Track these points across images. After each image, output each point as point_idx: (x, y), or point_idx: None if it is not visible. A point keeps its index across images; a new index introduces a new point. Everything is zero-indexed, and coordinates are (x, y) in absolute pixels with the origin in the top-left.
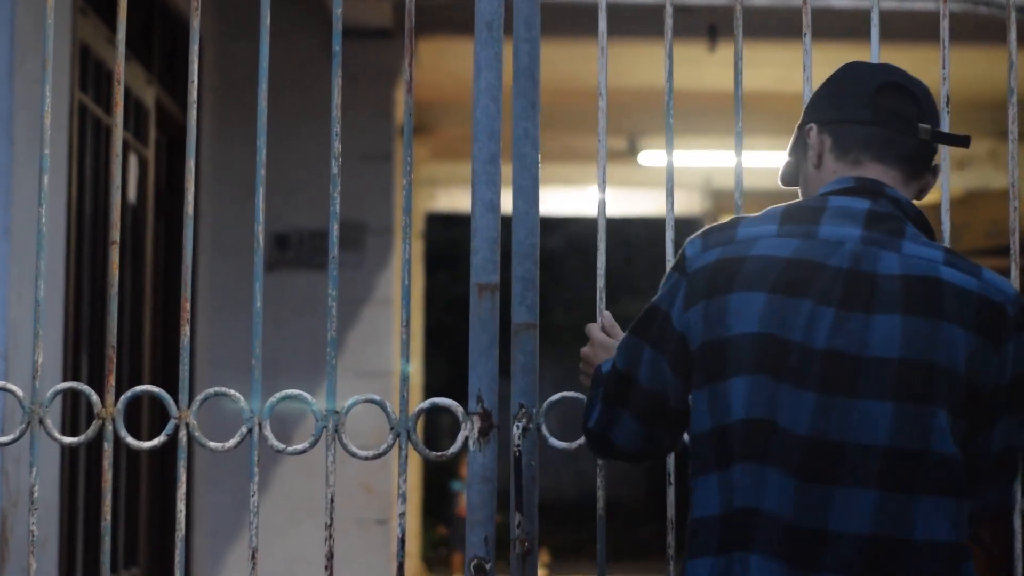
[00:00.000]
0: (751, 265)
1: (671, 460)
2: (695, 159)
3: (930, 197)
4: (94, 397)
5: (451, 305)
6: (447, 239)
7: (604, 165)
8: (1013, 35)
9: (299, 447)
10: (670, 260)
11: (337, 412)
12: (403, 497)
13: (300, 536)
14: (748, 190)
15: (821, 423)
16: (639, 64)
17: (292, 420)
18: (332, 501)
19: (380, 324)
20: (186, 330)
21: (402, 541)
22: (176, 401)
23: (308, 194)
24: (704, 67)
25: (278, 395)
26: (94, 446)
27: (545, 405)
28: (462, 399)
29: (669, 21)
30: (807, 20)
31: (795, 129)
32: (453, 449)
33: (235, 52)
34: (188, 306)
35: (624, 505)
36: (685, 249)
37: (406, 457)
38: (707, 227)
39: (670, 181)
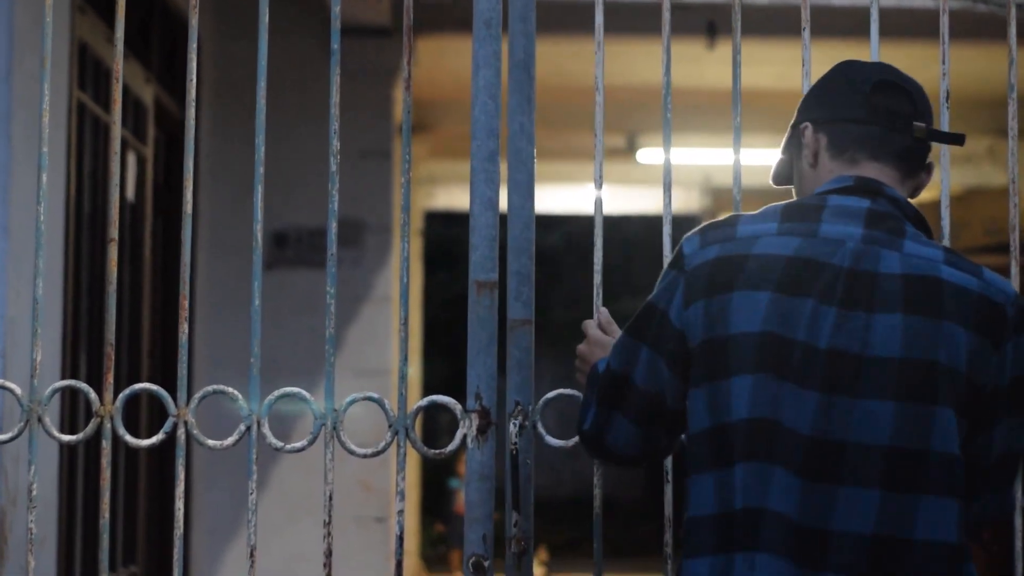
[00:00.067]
0: (753, 264)
1: (668, 458)
2: (694, 157)
3: (929, 194)
4: (92, 395)
5: (450, 303)
6: (446, 237)
7: (601, 160)
8: (1013, 31)
9: (298, 445)
10: (668, 257)
11: (335, 410)
12: (402, 495)
13: (299, 534)
14: (747, 188)
15: (824, 423)
16: (638, 62)
17: (291, 418)
18: (331, 499)
19: (379, 322)
20: (184, 328)
21: (400, 539)
22: (174, 399)
23: (307, 192)
24: (703, 65)
25: (276, 393)
26: (93, 444)
27: (541, 402)
28: (461, 397)
29: (667, 15)
30: (806, 15)
31: (788, 128)
32: (451, 447)
33: (234, 50)
34: (187, 304)
35: (622, 503)
36: (682, 246)
37: (404, 455)
38: (704, 224)
39: (668, 175)
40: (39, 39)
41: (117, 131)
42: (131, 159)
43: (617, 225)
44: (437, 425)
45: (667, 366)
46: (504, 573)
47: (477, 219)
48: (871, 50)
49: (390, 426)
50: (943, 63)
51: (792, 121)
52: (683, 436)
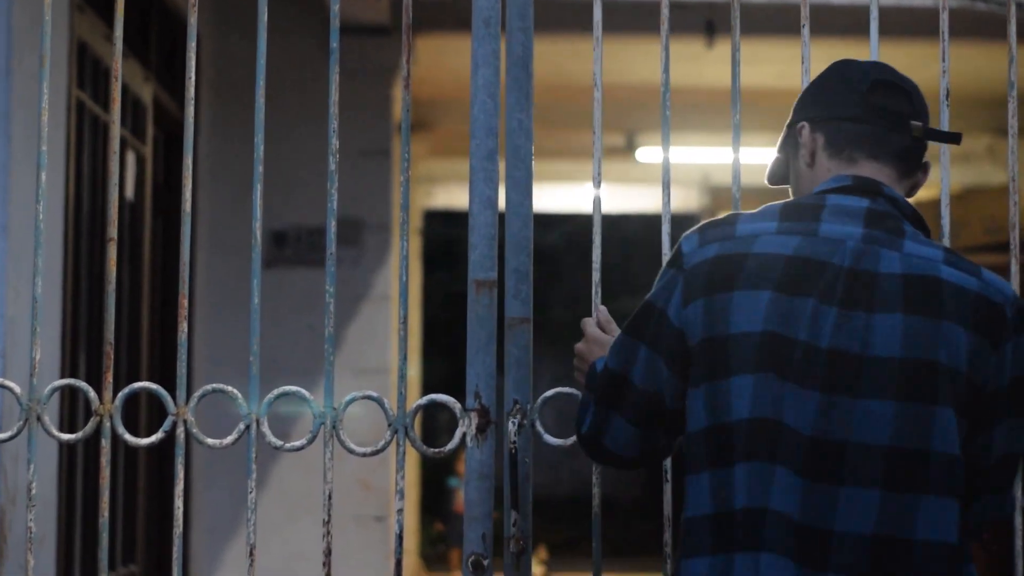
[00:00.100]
0: (753, 263)
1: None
2: (692, 156)
3: (928, 193)
4: (92, 394)
5: (449, 302)
6: (445, 236)
7: (599, 157)
8: (1013, 28)
9: (297, 444)
10: (667, 256)
11: (335, 409)
12: (401, 493)
13: (298, 533)
14: (746, 186)
15: (824, 423)
16: (637, 61)
17: (290, 417)
18: (330, 498)
19: (378, 321)
20: (183, 327)
21: (400, 537)
22: (174, 398)
23: (306, 191)
24: (702, 64)
25: (275, 392)
26: (92, 443)
27: (539, 401)
28: (460, 396)
29: (665, 12)
30: (805, 12)
31: (784, 127)
32: (451, 445)
33: (233, 49)
34: (186, 303)
35: (621, 502)
36: (681, 245)
37: (404, 454)
38: (702, 223)
39: (666, 174)
40: (38, 38)
41: (116, 130)
42: (130, 158)
43: (616, 224)
44: (436, 424)
45: (666, 365)
46: (503, 572)
47: (476, 218)
48: (871, 48)
49: (389, 425)
50: (943, 60)
51: (788, 120)
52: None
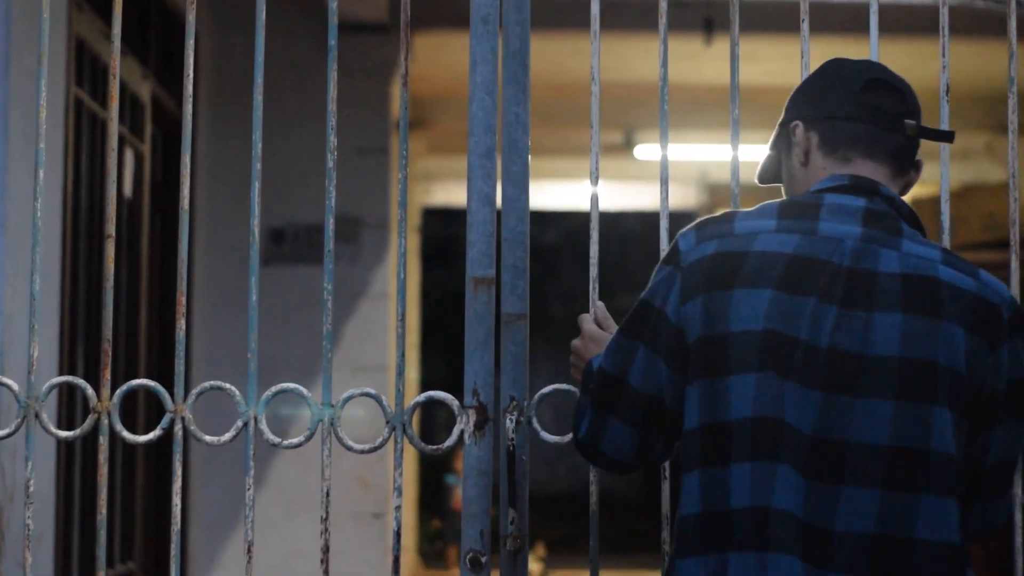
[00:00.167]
0: (753, 261)
1: None
2: (691, 153)
3: (927, 190)
4: (90, 391)
5: (447, 299)
6: (443, 233)
7: (597, 150)
8: (1013, 23)
9: (295, 441)
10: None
11: (333, 406)
12: (399, 491)
13: (296, 530)
14: (743, 183)
15: (825, 422)
16: (636, 58)
17: (288, 414)
18: (328, 495)
19: (376, 318)
20: (181, 324)
21: (398, 535)
22: (172, 395)
23: (304, 189)
24: (700, 61)
25: (273, 389)
26: (90, 440)
27: (536, 398)
28: (458, 393)
29: (664, 5)
30: (804, 7)
31: (776, 126)
32: (449, 443)
33: (231, 47)
34: (183, 300)
35: (618, 499)
36: (678, 242)
37: (402, 451)
38: (699, 220)
39: (664, 168)
40: (36, 36)
41: (114, 127)
42: (128, 156)
43: (614, 221)
44: (434, 421)
45: (666, 364)
46: (500, 569)
47: (474, 215)
48: (870, 46)
49: (387, 422)
50: (943, 56)
51: (780, 119)
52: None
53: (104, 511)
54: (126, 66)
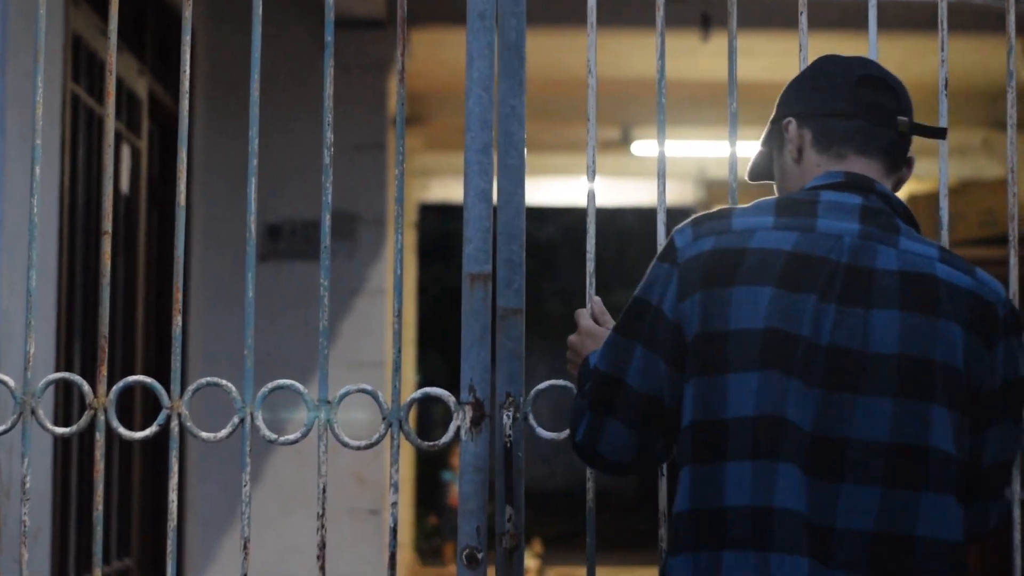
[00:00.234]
0: (752, 258)
1: None
2: (688, 149)
3: (925, 186)
4: (86, 387)
5: (444, 295)
6: (440, 230)
7: (594, 144)
8: (1012, 18)
9: (291, 437)
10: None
11: (329, 402)
12: (395, 487)
13: (292, 526)
14: (742, 179)
15: (826, 420)
16: (633, 54)
17: (285, 410)
18: (324, 491)
19: (373, 315)
20: (178, 320)
21: (394, 531)
22: (168, 391)
23: (301, 185)
24: (697, 57)
25: (270, 385)
26: (86, 436)
27: (532, 394)
28: (455, 389)
29: (660, 0)
30: (803, 0)
31: (768, 123)
32: (445, 439)
33: (228, 43)
34: (180, 296)
35: (615, 495)
36: (674, 239)
37: (398, 447)
38: (695, 216)
39: (662, 160)
40: (33, 32)
41: (111, 123)
42: (125, 152)
43: (611, 218)
44: (431, 417)
45: (665, 362)
46: (495, 566)
47: (471, 211)
48: (869, 41)
49: (384, 418)
50: (942, 50)
51: (772, 116)
52: None
53: (101, 507)
54: (122, 62)
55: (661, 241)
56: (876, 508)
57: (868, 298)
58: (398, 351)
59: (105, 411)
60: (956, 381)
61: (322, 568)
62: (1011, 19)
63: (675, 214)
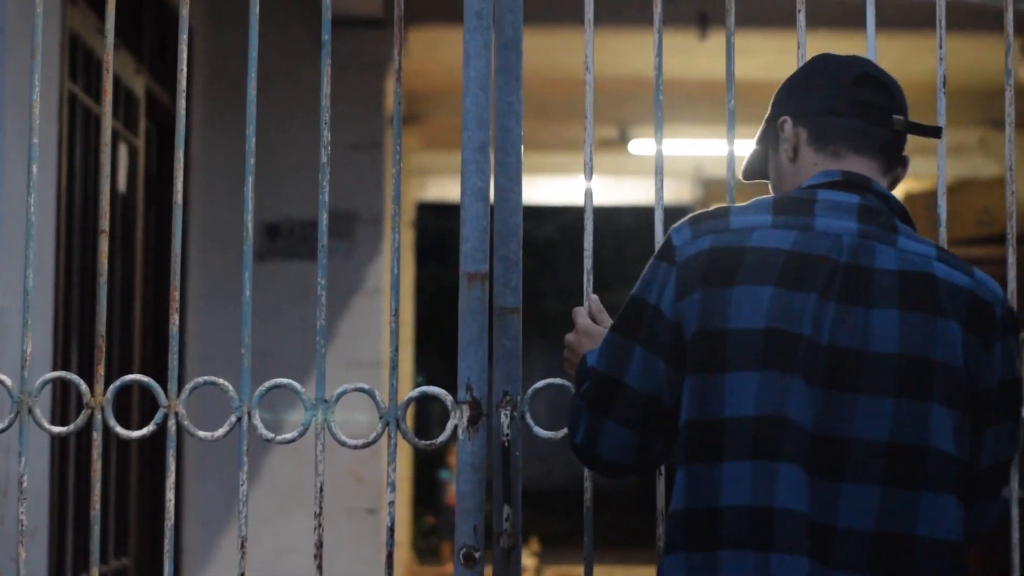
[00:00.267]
0: (751, 257)
1: None
2: (685, 148)
3: (922, 185)
4: (83, 386)
5: (442, 294)
6: (438, 228)
7: (591, 141)
8: (1010, 16)
9: (288, 436)
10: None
11: (326, 401)
12: (393, 486)
13: (290, 525)
14: (739, 179)
15: (826, 419)
16: (630, 53)
17: (283, 410)
18: (321, 490)
19: (370, 314)
20: (175, 319)
21: (391, 530)
22: (165, 390)
23: (298, 184)
24: (694, 56)
25: (267, 384)
26: (83, 435)
27: (529, 393)
28: (452, 388)
29: None
30: None
31: (763, 122)
32: (442, 438)
33: (225, 41)
34: (177, 295)
35: (613, 494)
36: (671, 238)
37: (395, 446)
38: (692, 215)
39: (659, 158)
40: (30, 31)
41: (108, 122)
42: (122, 150)
43: (609, 216)
44: (428, 417)
45: (665, 362)
46: (493, 565)
47: (468, 210)
48: (867, 40)
49: (381, 417)
50: (940, 48)
51: (767, 114)
52: None
53: (98, 507)
54: (120, 61)
55: (659, 240)
56: (876, 508)
57: (868, 297)
58: (395, 350)
59: (102, 410)
60: (956, 380)
61: (319, 567)
62: (1009, 18)
63: (673, 213)
